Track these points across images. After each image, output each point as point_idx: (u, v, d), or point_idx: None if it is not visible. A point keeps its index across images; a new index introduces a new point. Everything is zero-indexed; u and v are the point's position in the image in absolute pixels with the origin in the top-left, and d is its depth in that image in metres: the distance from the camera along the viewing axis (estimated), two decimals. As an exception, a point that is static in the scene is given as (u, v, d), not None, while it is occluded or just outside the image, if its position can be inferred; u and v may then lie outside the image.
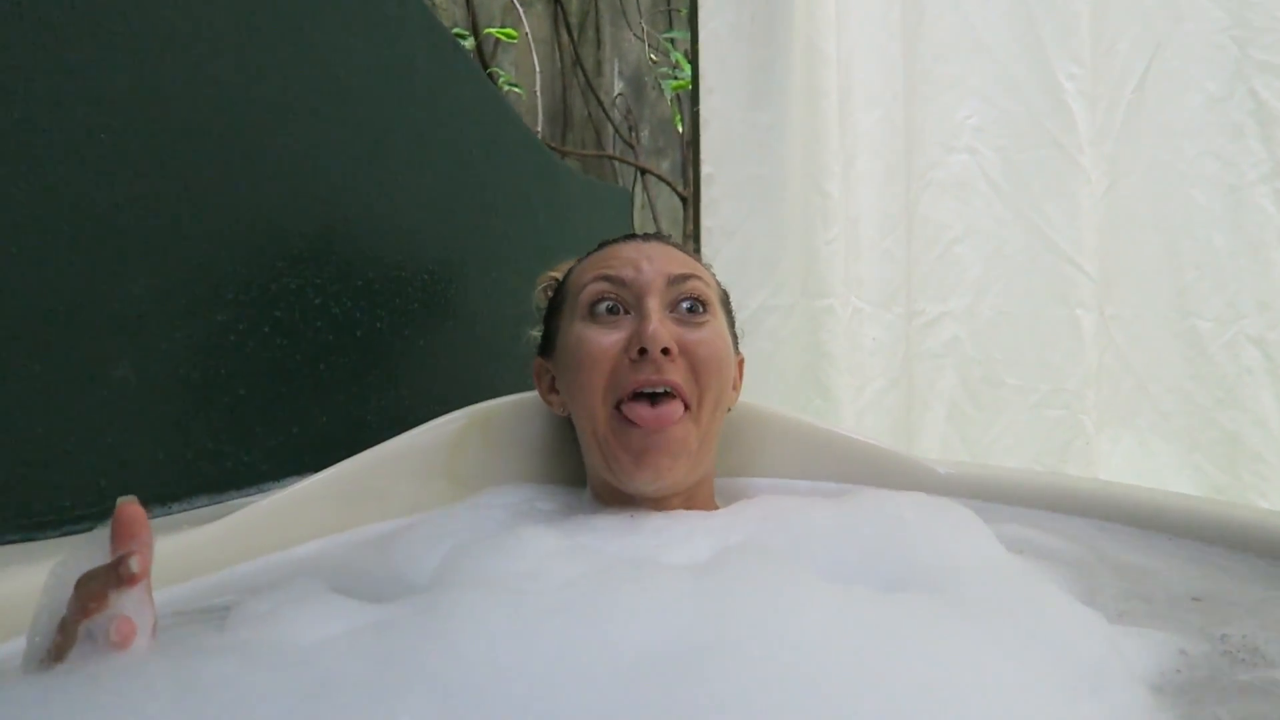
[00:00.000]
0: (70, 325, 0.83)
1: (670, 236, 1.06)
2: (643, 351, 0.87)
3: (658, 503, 0.92)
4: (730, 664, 0.50)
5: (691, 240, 1.84)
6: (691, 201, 1.82)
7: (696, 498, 0.96)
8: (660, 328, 0.88)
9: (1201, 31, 1.54)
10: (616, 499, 0.94)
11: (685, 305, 0.93)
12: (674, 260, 0.96)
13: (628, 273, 0.93)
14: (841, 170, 1.71)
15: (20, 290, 0.79)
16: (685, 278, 0.93)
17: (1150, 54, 1.57)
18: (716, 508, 0.97)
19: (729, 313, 1.03)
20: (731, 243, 1.71)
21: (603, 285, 0.93)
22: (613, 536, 0.83)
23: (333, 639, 0.55)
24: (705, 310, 0.94)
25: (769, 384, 1.66)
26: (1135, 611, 0.71)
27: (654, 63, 3.37)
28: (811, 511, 0.87)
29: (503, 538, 0.72)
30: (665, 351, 0.87)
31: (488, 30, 2.67)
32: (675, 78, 3.17)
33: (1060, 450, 1.64)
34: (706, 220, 1.74)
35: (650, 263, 0.93)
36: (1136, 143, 1.59)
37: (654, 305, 0.90)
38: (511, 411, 1.10)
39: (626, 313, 0.92)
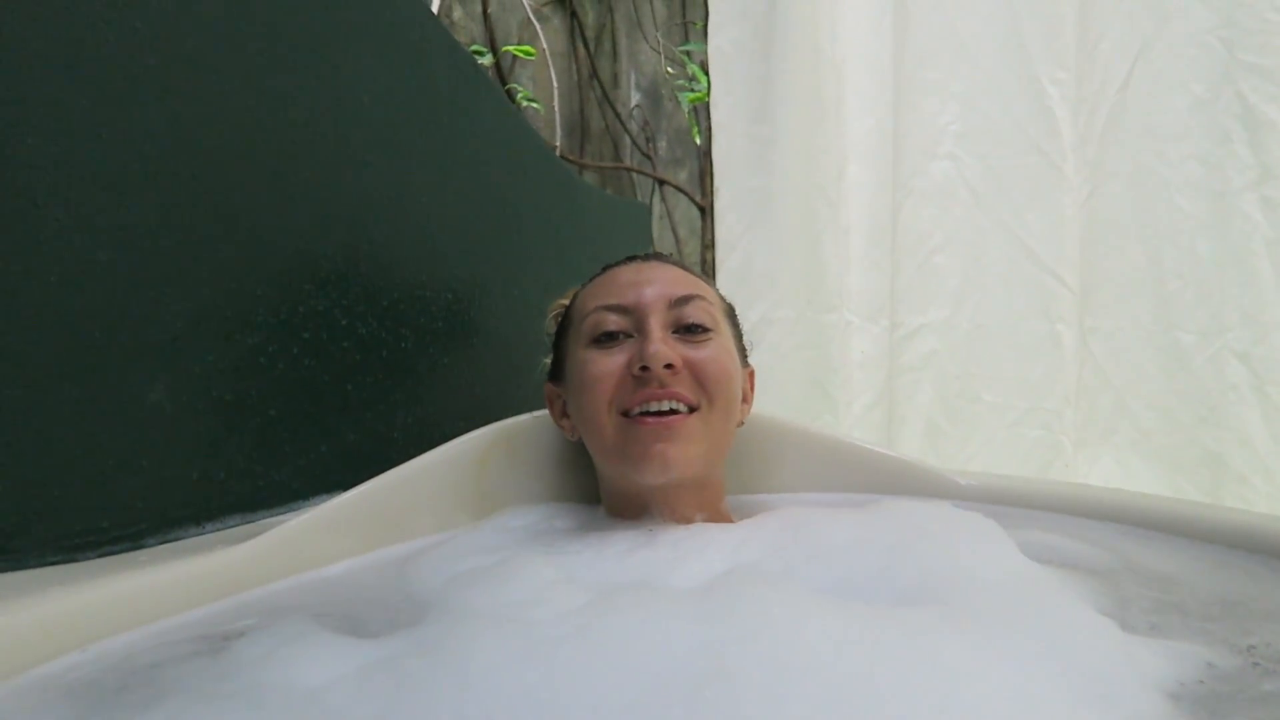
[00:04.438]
0: (105, 350, 0.85)
1: (671, 255, 1.06)
2: (645, 369, 0.89)
3: (672, 508, 0.93)
4: (735, 690, 0.51)
5: (710, 249, 1.85)
6: (709, 211, 1.83)
7: (708, 502, 0.96)
8: (662, 346, 0.90)
9: (1188, 32, 1.47)
10: (630, 509, 0.95)
11: (687, 327, 0.94)
12: (676, 282, 0.97)
13: (629, 298, 0.94)
14: (838, 180, 1.69)
15: (56, 317, 0.81)
16: (687, 299, 0.95)
17: (1135, 55, 1.50)
18: (732, 520, 0.97)
19: (735, 326, 1.04)
20: (734, 255, 1.71)
21: (605, 315, 0.94)
22: (626, 552, 0.84)
23: (342, 678, 0.55)
24: (708, 330, 0.95)
25: (770, 397, 1.60)
26: (1166, 622, 0.70)
27: (670, 74, 3.39)
28: (831, 522, 0.87)
29: (504, 565, 0.72)
30: (669, 367, 0.89)
31: (505, 47, 2.70)
32: (692, 90, 3.19)
33: (1039, 472, 1.57)
34: (717, 232, 1.75)
35: (652, 286, 0.95)
36: (1119, 147, 1.52)
37: (655, 325, 0.92)
38: (537, 427, 1.11)
39: (630, 336, 0.93)
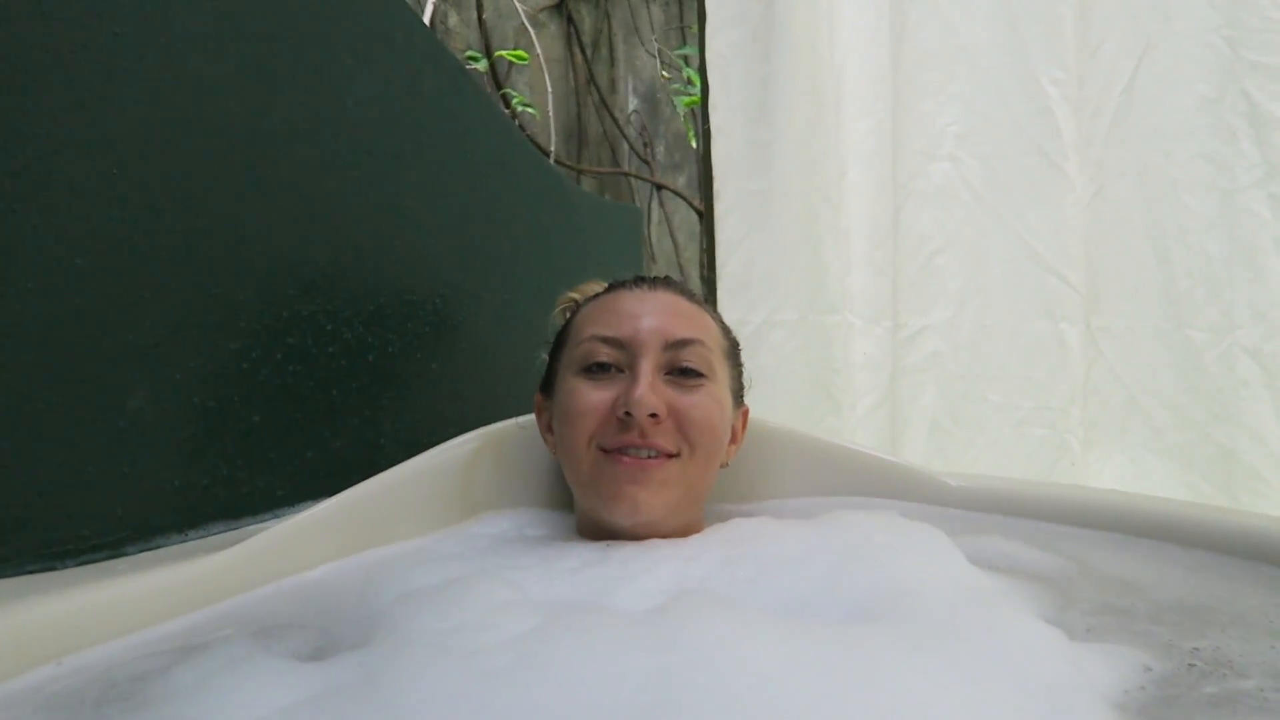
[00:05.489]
0: (85, 357, 0.85)
1: (681, 282, 1.04)
2: (629, 413, 0.88)
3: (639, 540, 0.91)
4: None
5: (708, 254, 1.85)
6: (706, 217, 1.83)
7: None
8: (648, 393, 0.88)
9: (1192, 31, 1.48)
10: (601, 535, 0.94)
11: (680, 370, 0.92)
12: (677, 320, 0.95)
13: (626, 331, 0.93)
14: (837, 182, 1.70)
15: (37, 323, 0.81)
16: (684, 343, 0.93)
17: (1139, 55, 1.52)
18: None
19: (736, 365, 1.02)
20: (735, 257, 1.71)
21: (598, 345, 0.93)
22: (576, 569, 0.83)
23: (269, 716, 0.53)
24: (702, 375, 0.93)
25: (774, 400, 1.64)
26: (1105, 626, 0.71)
27: (667, 79, 3.39)
28: (780, 536, 0.87)
29: (457, 584, 0.71)
30: (653, 416, 0.88)
31: (499, 53, 2.70)
32: (688, 94, 3.19)
33: (1045, 470, 1.58)
34: (718, 235, 1.75)
35: (650, 320, 0.93)
36: (1125, 147, 1.54)
37: (647, 368, 0.90)
38: (524, 433, 1.11)
39: (621, 371, 0.92)
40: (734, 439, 1.01)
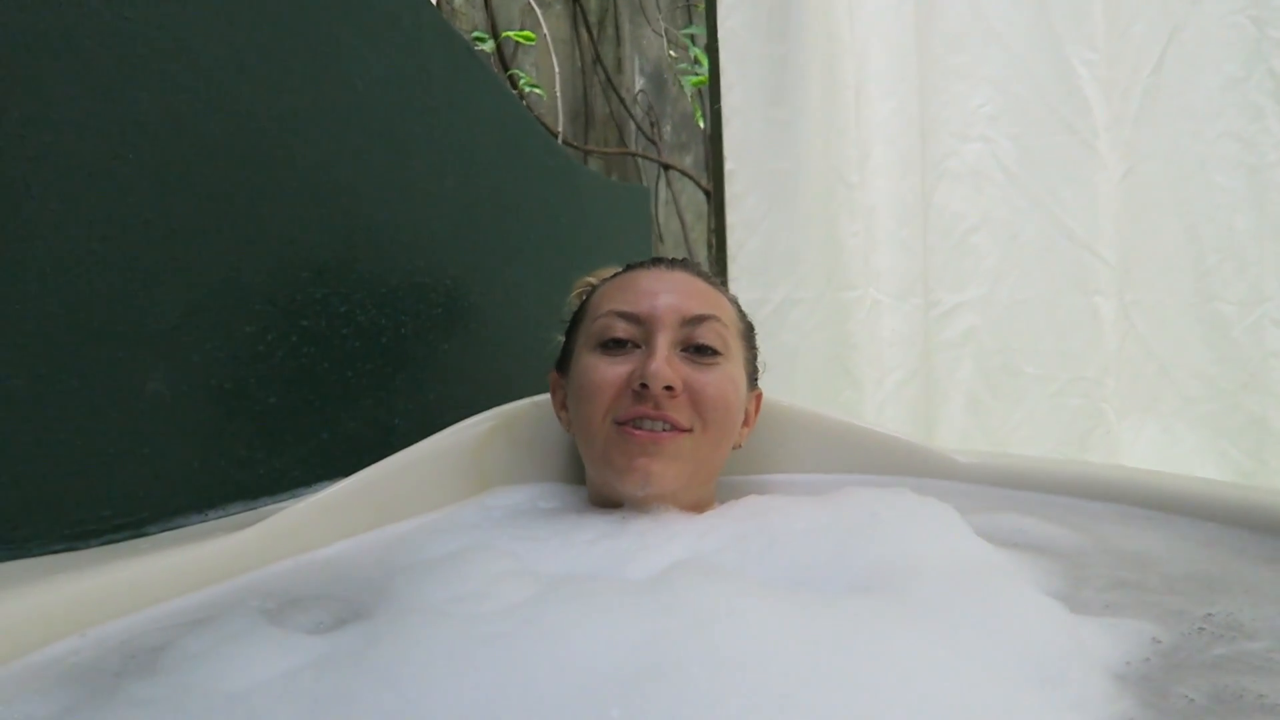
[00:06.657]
0: (105, 341, 0.86)
1: (698, 264, 1.05)
2: (645, 385, 0.88)
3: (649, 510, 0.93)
4: (674, 685, 0.51)
5: (716, 234, 1.85)
6: (714, 196, 1.83)
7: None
8: (664, 366, 0.89)
9: (1219, 12, 1.53)
10: (612, 507, 0.95)
11: (696, 347, 0.93)
12: (694, 297, 0.96)
13: (643, 308, 0.93)
14: (859, 162, 1.71)
15: (56, 309, 0.82)
16: (701, 319, 0.94)
17: (1167, 36, 1.57)
18: None
19: (750, 348, 1.03)
20: (754, 237, 1.72)
21: (616, 320, 0.94)
22: (592, 541, 0.84)
23: (267, 682, 0.55)
24: (717, 354, 0.94)
25: (795, 377, 1.67)
26: (1120, 600, 0.71)
27: (674, 59, 3.38)
28: (791, 512, 0.87)
29: (464, 554, 0.72)
30: (669, 389, 0.88)
31: (505, 33, 2.69)
32: (695, 73, 3.18)
33: (1081, 439, 1.63)
34: (730, 216, 1.76)
35: (668, 297, 0.94)
36: (1155, 126, 1.59)
37: (663, 343, 0.91)
38: (537, 412, 1.12)
39: (637, 346, 0.93)
40: (747, 421, 1.02)
